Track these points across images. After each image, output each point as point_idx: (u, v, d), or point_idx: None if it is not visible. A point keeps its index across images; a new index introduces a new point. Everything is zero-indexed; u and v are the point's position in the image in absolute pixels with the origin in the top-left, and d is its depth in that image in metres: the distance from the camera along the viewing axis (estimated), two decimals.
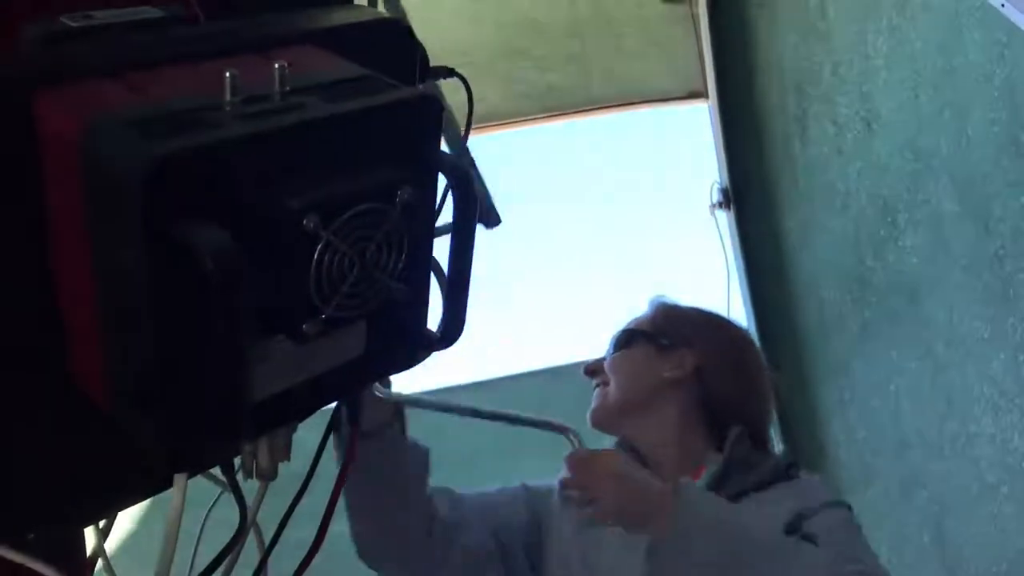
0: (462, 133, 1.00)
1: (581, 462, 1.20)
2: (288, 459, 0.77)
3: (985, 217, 1.48)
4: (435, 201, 0.72)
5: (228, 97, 0.61)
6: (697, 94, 2.00)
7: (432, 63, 0.81)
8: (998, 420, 1.51)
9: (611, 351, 1.53)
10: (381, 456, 1.35)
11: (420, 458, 1.40)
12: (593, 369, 1.52)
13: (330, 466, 1.01)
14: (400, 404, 1.38)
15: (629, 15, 2.01)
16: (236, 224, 0.59)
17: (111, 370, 0.63)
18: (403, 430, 1.39)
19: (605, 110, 2.01)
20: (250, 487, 0.80)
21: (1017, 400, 1.48)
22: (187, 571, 0.96)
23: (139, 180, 0.54)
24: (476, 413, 1.43)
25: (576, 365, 1.68)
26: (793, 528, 1.28)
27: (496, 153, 2.00)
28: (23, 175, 0.61)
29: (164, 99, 0.61)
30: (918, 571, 1.71)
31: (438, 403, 1.43)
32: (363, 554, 1.43)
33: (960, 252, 1.54)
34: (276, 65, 0.63)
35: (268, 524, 0.96)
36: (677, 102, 2.03)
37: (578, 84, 1.98)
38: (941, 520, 1.65)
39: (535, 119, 1.98)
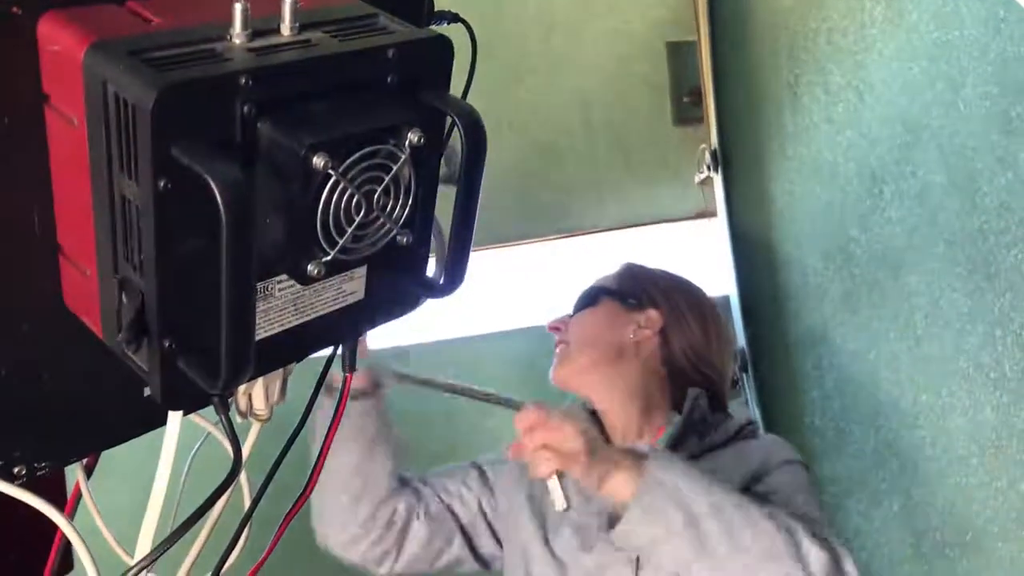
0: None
1: (536, 413, 1.15)
2: (284, 401, 0.77)
3: (972, 191, 1.49)
4: (441, 147, 0.71)
5: (238, 29, 0.59)
6: (706, 214, 2.08)
7: None
8: (972, 393, 1.53)
9: (577, 308, 1.52)
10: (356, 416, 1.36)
11: (389, 431, 1.41)
12: (557, 326, 1.51)
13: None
14: (379, 376, 1.39)
15: (642, 139, 2.11)
16: (244, 160, 0.58)
17: (110, 304, 0.62)
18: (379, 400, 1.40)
19: (616, 231, 2.09)
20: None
21: (992, 374, 1.50)
22: (172, 512, 0.95)
23: (148, 109, 0.53)
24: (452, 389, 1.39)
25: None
26: (747, 488, 1.30)
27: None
28: (27, 103, 0.60)
29: (172, 28, 0.60)
30: (886, 537, 1.75)
31: (417, 379, 1.41)
32: (325, 523, 1.41)
33: (945, 225, 1.55)
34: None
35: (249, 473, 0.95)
36: (686, 222, 2.12)
37: (590, 206, 2.05)
38: (911, 489, 1.68)
39: (546, 239, 2.05)
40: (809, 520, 1.18)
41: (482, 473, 1.50)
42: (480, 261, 1.35)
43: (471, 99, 0.71)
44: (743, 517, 1.12)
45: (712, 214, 2.09)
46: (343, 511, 1.39)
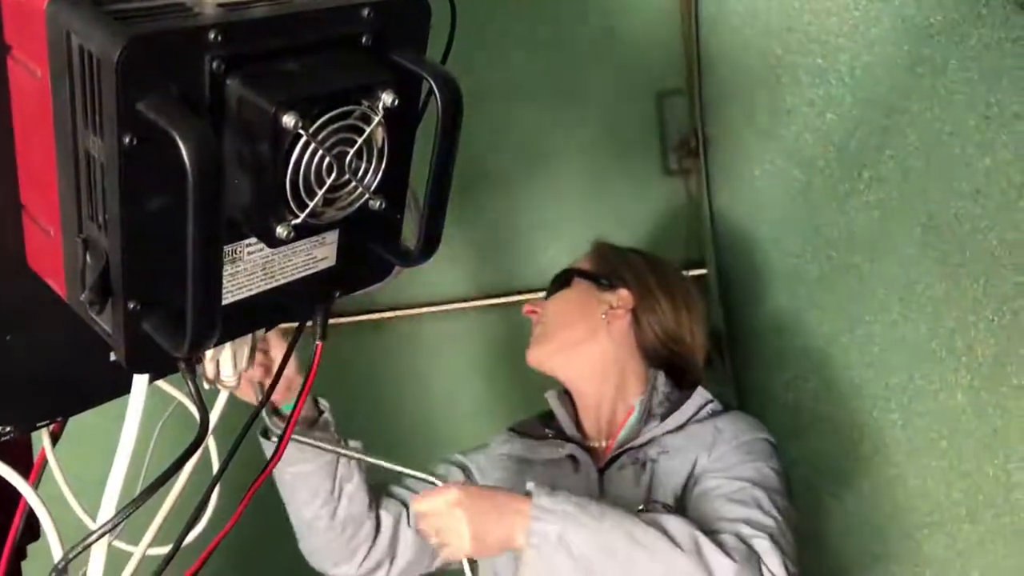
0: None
1: (423, 502, 1.17)
2: (251, 368, 0.76)
3: (949, 177, 1.50)
4: (417, 112, 0.70)
5: None
6: (697, 263, 2.10)
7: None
8: (943, 377, 1.54)
9: (551, 291, 1.53)
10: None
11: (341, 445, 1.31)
12: (533, 309, 1.53)
13: None
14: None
15: (632, 192, 2.11)
16: (213, 117, 0.57)
17: (74, 265, 0.60)
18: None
19: None
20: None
21: (964, 358, 1.51)
22: (138, 483, 0.94)
23: (113, 62, 0.51)
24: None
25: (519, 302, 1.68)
26: (693, 476, 1.31)
27: None
28: None
29: None
30: (857, 517, 1.76)
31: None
32: (315, 557, 1.36)
33: (921, 210, 1.56)
34: None
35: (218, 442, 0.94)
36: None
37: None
38: (882, 469, 1.69)
39: (537, 293, 2.08)
40: (728, 520, 1.18)
41: (464, 469, 1.48)
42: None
43: None
44: (636, 548, 1.12)
45: (701, 264, 2.10)
46: (329, 542, 1.33)
